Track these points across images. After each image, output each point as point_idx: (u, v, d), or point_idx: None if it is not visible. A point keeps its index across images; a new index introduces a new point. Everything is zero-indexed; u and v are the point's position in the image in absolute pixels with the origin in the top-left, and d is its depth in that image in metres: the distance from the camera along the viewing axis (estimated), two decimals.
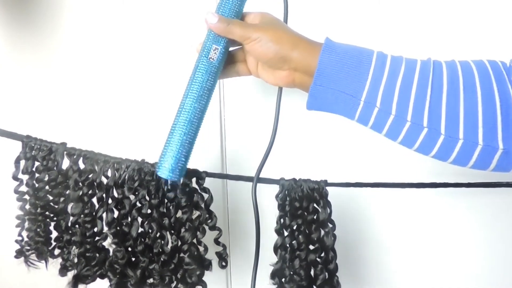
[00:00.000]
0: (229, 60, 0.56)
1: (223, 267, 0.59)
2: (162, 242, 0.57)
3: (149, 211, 0.56)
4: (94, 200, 0.57)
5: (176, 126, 0.52)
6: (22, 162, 0.59)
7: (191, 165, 0.58)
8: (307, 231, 0.58)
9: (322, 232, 0.58)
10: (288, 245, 0.58)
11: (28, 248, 0.61)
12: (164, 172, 0.52)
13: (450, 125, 0.44)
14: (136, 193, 0.56)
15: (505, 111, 0.43)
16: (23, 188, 0.60)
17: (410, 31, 0.70)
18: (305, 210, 0.58)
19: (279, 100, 0.56)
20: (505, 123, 0.43)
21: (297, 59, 0.49)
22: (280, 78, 0.52)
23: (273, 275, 0.58)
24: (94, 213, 0.57)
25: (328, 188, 0.58)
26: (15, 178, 0.59)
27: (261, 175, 0.60)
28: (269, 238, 0.59)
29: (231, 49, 0.56)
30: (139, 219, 0.57)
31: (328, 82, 0.47)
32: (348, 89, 0.47)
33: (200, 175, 0.57)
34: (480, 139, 0.43)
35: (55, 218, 0.60)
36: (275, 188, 0.59)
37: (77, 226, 0.58)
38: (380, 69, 0.46)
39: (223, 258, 0.59)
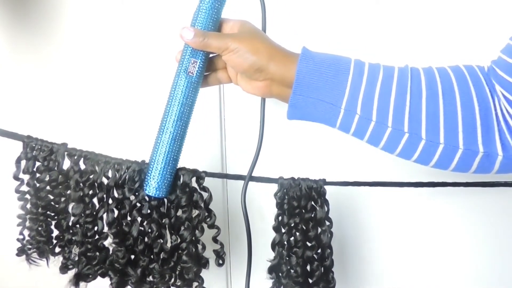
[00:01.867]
0: (210, 67, 0.56)
1: (220, 265, 0.60)
2: (162, 241, 0.57)
3: (148, 211, 0.57)
4: (95, 200, 0.58)
5: (160, 145, 0.53)
6: (23, 162, 0.59)
7: (191, 164, 0.59)
8: (304, 229, 0.59)
9: (319, 230, 0.58)
10: (285, 242, 0.59)
11: (30, 246, 0.62)
12: (151, 191, 0.54)
13: (431, 130, 0.44)
14: (137, 193, 0.57)
15: (483, 115, 0.44)
16: (24, 188, 0.60)
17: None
18: (303, 209, 0.58)
19: (263, 109, 0.56)
20: (484, 127, 0.44)
21: (274, 70, 0.49)
22: (257, 88, 0.52)
23: (271, 270, 0.59)
24: (94, 213, 0.57)
25: (326, 186, 0.59)
26: (16, 178, 0.59)
27: (261, 174, 0.61)
28: (268, 235, 0.59)
29: (212, 55, 0.55)
30: (139, 219, 0.58)
31: (307, 91, 0.48)
32: (327, 98, 0.47)
33: (199, 175, 0.58)
34: (461, 143, 0.44)
35: (56, 218, 0.60)
36: (274, 187, 0.59)
37: (78, 226, 0.58)
38: (358, 76, 0.47)
39: (220, 256, 0.60)
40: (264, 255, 0.60)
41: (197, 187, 0.58)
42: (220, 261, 0.60)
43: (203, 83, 0.56)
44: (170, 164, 0.54)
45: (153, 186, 0.54)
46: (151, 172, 0.54)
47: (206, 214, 0.58)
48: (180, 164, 0.56)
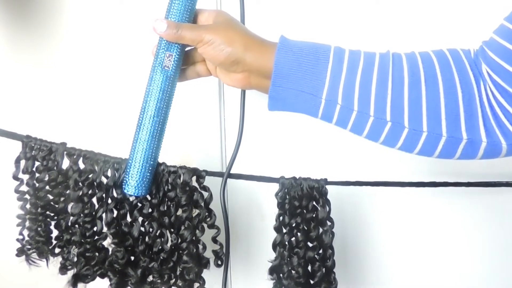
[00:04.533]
0: (188, 61, 0.54)
1: (218, 265, 0.60)
2: (162, 240, 0.57)
3: (149, 210, 0.57)
4: (94, 200, 0.57)
5: (137, 142, 0.52)
6: (22, 162, 0.59)
7: (191, 164, 0.58)
8: (306, 229, 0.58)
9: (321, 230, 0.58)
10: (287, 243, 0.58)
11: (29, 247, 0.61)
12: (130, 189, 0.53)
13: (413, 118, 0.44)
14: None
15: (467, 101, 0.43)
16: (24, 188, 0.60)
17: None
18: (305, 209, 0.58)
19: (243, 102, 0.55)
20: (468, 113, 0.43)
21: (250, 61, 0.47)
22: (236, 80, 0.50)
23: (272, 271, 0.59)
24: (93, 213, 0.57)
25: (328, 186, 0.58)
26: (15, 178, 0.59)
27: (262, 173, 0.60)
28: (269, 235, 0.59)
29: (188, 49, 0.54)
30: (140, 219, 0.57)
31: (286, 82, 0.46)
32: (308, 88, 0.46)
33: (200, 174, 0.57)
34: (444, 131, 0.43)
35: (55, 218, 0.60)
36: (275, 186, 0.59)
37: (76, 226, 0.58)
38: (338, 65, 0.45)
39: (219, 257, 0.59)
40: (265, 255, 0.59)
41: (197, 186, 0.57)
42: (219, 262, 0.60)
43: (182, 77, 0.55)
44: (149, 162, 0.53)
45: (132, 185, 0.53)
46: (129, 170, 0.53)
47: (206, 213, 0.57)
48: (179, 164, 0.56)
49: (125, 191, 0.54)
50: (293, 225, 0.58)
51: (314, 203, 0.58)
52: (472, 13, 0.67)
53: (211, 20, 0.52)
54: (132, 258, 0.59)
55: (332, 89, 0.45)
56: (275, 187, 0.59)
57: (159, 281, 0.58)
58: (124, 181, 0.54)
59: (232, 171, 0.58)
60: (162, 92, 0.52)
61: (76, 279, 0.58)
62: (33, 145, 0.59)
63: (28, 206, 0.60)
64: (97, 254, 0.58)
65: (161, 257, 0.57)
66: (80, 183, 0.57)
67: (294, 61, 0.46)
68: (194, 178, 0.57)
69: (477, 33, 0.67)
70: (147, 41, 0.75)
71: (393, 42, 0.69)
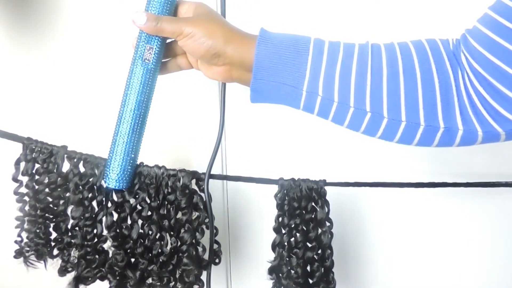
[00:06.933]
0: (169, 53, 0.54)
1: (216, 263, 0.60)
2: (162, 243, 0.57)
3: (149, 213, 0.57)
4: (94, 203, 0.58)
5: (118, 136, 0.52)
6: (22, 164, 0.59)
7: (191, 166, 0.58)
8: (304, 230, 0.58)
9: (320, 231, 0.58)
10: (286, 243, 0.59)
11: (28, 249, 0.61)
12: (112, 183, 0.53)
13: (392, 108, 0.45)
14: (137, 196, 0.57)
15: (444, 91, 0.44)
16: (23, 190, 0.60)
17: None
18: (304, 209, 0.58)
19: (223, 96, 0.55)
20: (445, 103, 0.44)
21: (231, 54, 0.48)
22: (217, 73, 0.50)
23: (271, 271, 0.59)
24: (94, 216, 0.57)
25: (326, 187, 0.59)
26: (15, 179, 0.59)
27: (261, 175, 0.61)
28: (269, 236, 0.59)
29: (169, 41, 0.53)
30: (139, 222, 0.57)
31: (268, 75, 0.47)
32: (289, 81, 0.46)
33: (199, 177, 0.58)
34: (422, 120, 0.44)
35: (54, 220, 0.60)
36: (274, 188, 0.59)
37: (77, 229, 0.58)
38: (318, 57, 0.46)
39: (217, 255, 0.60)
40: (264, 255, 0.60)
41: (197, 189, 0.58)
42: (217, 260, 0.60)
43: (163, 70, 0.55)
44: (130, 155, 0.53)
45: (113, 179, 0.53)
46: (110, 164, 0.53)
47: (206, 215, 0.58)
48: (179, 166, 0.56)
49: (106, 184, 0.54)
50: (292, 226, 0.59)
51: (313, 204, 0.59)
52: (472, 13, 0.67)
53: (191, 12, 0.51)
54: (132, 260, 0.59)
55: (312, 81, 0.46)
56: (274, 188, 0.59)
57: (158, 283, 0.58)
58: (105, 174, 0.54)
59: (231, 173, 0.58)
60: (143, 85, 0.52)
61: (77, 281, 0.59)
62: (33, 147, 0.59)
63: (27, 208, 0.60)
64: (97, 256, 0.58)
65: (161, 260, 0.57)
66: (80, 187, 0.57)
67: (274, 54, 0.46)
68: (193, 181, 0.57)
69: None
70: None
71: (387, 37, 0.70)
